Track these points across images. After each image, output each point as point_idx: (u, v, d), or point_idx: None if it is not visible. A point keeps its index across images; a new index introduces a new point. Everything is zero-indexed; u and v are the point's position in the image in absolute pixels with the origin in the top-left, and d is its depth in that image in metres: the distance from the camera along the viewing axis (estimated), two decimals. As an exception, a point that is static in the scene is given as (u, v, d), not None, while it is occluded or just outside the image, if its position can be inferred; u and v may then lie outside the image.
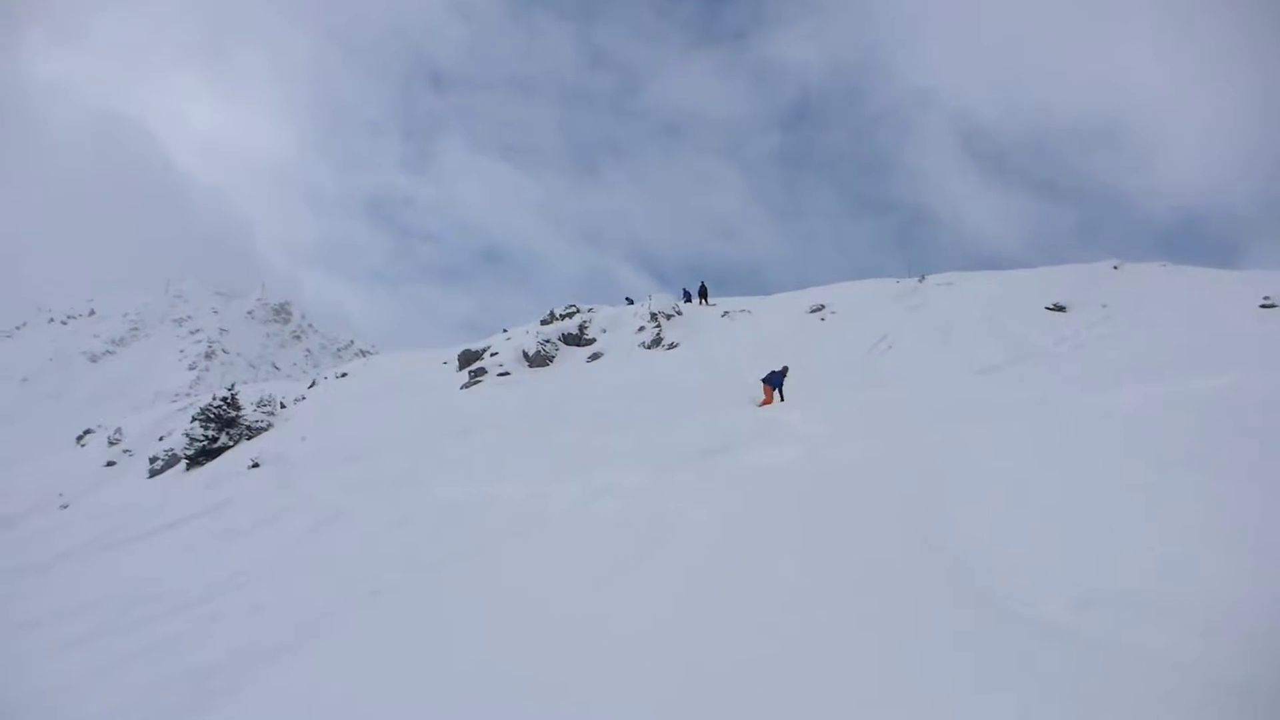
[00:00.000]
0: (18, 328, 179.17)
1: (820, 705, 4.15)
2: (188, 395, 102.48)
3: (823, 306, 34.12)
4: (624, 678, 4.85)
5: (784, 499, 8.24)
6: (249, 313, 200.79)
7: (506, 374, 32.58)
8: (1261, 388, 7.65)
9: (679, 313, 37.07)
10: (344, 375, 45.05)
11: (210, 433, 30.08)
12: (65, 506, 32.45)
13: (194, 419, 31.52)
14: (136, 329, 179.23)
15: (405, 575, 8.24)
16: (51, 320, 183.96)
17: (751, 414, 14.03)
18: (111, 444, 45.56)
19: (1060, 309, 24.43)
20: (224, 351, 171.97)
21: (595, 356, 34.21)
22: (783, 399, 18.60)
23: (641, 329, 35.54)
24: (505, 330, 41.45)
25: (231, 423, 30.91)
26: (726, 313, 37.14)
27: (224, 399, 32.05)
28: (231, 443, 30.00)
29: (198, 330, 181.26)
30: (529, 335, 36.55)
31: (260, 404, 35.65)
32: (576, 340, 36.44)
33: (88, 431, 55.53)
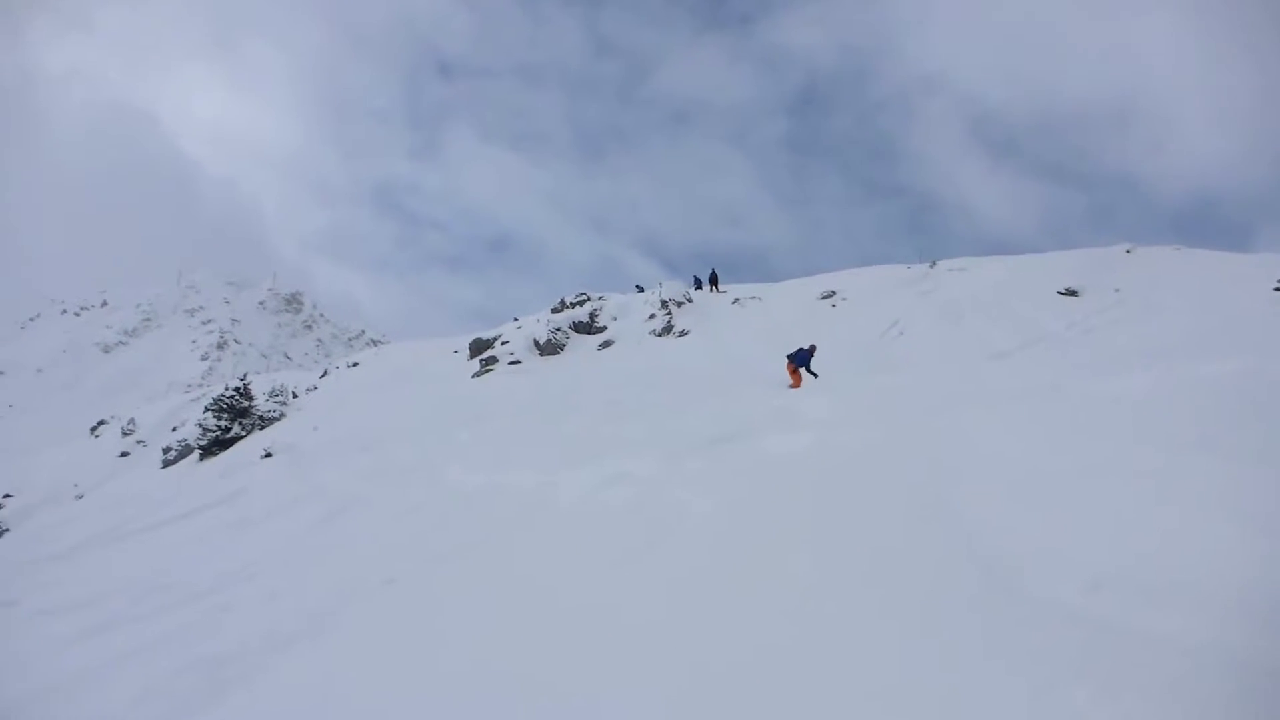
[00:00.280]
0: (31, 319, 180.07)
1: (830, 692, 4.16)
2: (200, 386, 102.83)
3: (833, 293, 34.04)
4: (634, 667, 4.85)
5: (795, 486, 8.22)
6: (260, 303, 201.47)
7: (517, 362, 32.59)
8: (1274, 372, 7.58)
9: (689, 300, 37.00)
10: (355, 365, 45.22)
11: (223, 423, 30.22)
12: (80, 497, 32.71)
13: (207, 409, 31.65)
14: (149, 320, 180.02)
15: (417, 564, 8.25)
16: (64, 312, 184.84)
17: (763, 401, 13.98)
18: (125, 435, 45.86)
19: (1072, 293, 24.32)
20: (236, 342, 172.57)
21: (606, 344, 34.19)
22: (815, 376, 18.47)
23: (652, 316, 35.48)
24: (516, 319, 41.47)
25: (244, 413, 31.04)
26: (737, 300, 37.08)
27: (236, 389, 32.17)
28: (244, 433, 30.13)
29: (210, 321, 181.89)
30: (540, 323, 36.54)
31: (272, 394, 35.78)
32: (587, 328, 36.42)
33: (101, 422, 55.91)
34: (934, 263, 34.55)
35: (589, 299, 39.83)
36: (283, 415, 32.37)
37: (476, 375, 32.12)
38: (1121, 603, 4.34)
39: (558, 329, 35.44)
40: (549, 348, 34.31)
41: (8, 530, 27.34)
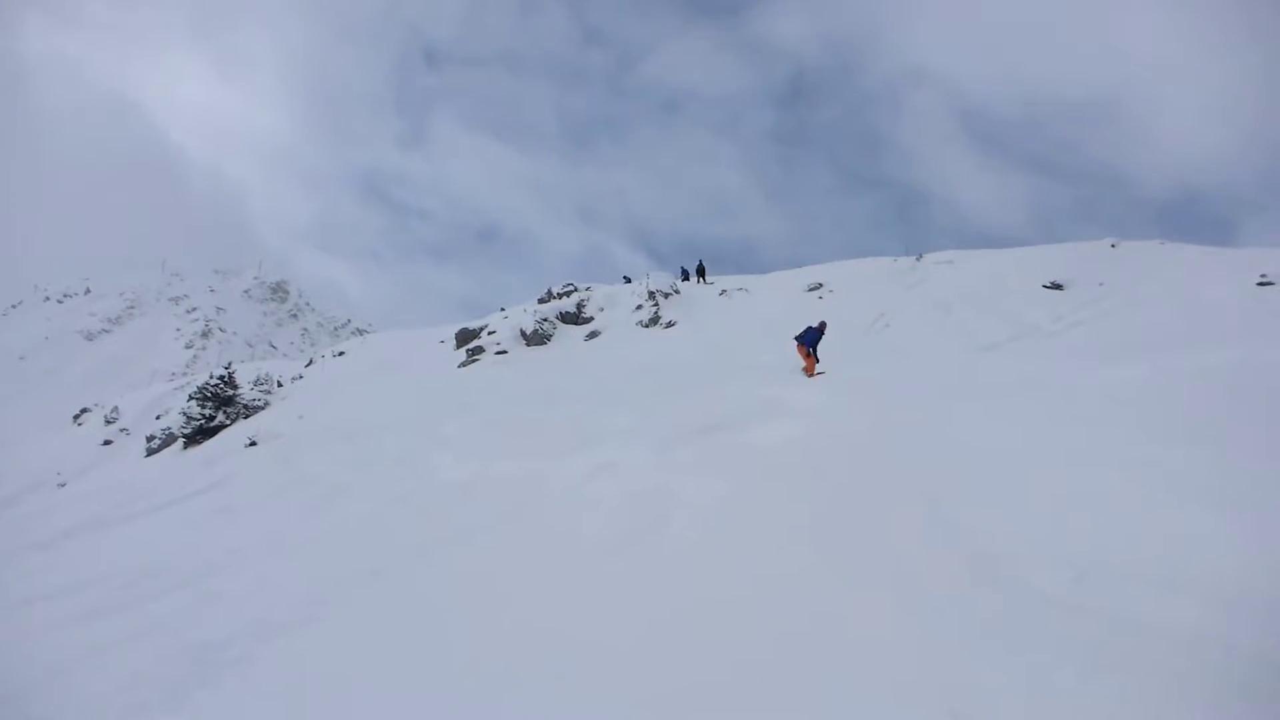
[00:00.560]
0: (13, 306, 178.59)
1: (818, 677, 4.18)
2: (184, 374, 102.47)
3: (820, 285, 34.18)
4: (625, 655, 4.86)
5: (783, 477, 8.24)
6: (246, 291, 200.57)
7: (504, 352, 32.52)
8: (1259, 363, 7.64)
9: (676, 291, 37.07)
10: (341, 354, 45.04)
11: (207, 411, 30.07)
12: (63, 485, 32.51)
13: (191, 398, 31.50)
14: (133, 307, 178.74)
15: (405, 554, 8.25)
16: (47, 299, 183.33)
17: (750, 391, 13.96)
18: (108, 423, 45.60)
19: (1058, 287, 24.46)
20: (221, 330, 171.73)
21: (593, 335, 34.17)
22: (817, 360, 17.38)
23: (639, 307, 35.48)
24: (503, 309, 41.40)
25: (229, 401, 30.90)
26: (724, 291, 37.16)
27: (221, 378, 32.00)
28: (229, 421, 30.00)
29: (194, 309, 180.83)
30: (527, 314, 36.46)
31: (257, 383, 35.62)
32: (574, 319, 36.37)
33: (84, 410, 55.56)
34: (921, 256, 34.70)
35: (576, 289, 39.80)
36: (267, 404, 32.24)
37: (463, 365, 32.05)
38: (1105, 590, 4.39)
39: (545, 319, 35.36)
40: (536, 338, 34.24)
41: (-10, 518, 27.17)
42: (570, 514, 8.66)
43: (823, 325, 17.89)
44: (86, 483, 29.20)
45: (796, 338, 17.78)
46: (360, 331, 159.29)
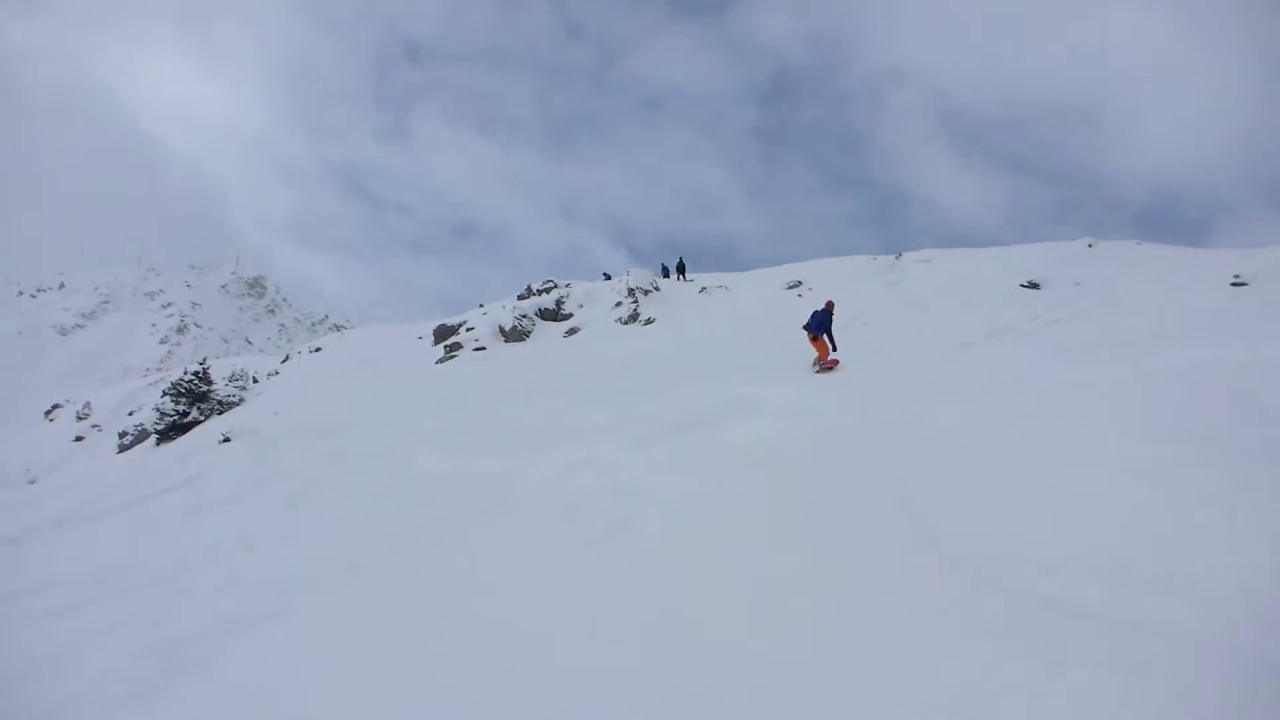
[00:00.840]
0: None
1: (792, 672, 4.15)
2: (158, 370, 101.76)
3: (800, 283, 34.27)
4: (601, 650, 4.82)
5: (759, 473, 8.26)
6: (223, 286, 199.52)
7: (483, 349, 32.40)
8: (1233, 362, 7.73)
9: (656, 288, 37.02)
10: (318, 350, 44.75)
11: (181, 407, 29.77)
12: (33, 481, 32.12)
13: (164, 393, 31.21)
14: (107, 302, 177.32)
15: (382, 551, 8.20)
16: (20, 293, 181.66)
17: (728, 388, 13.94)
18: (80, 419, 45.22)
19: (1035, 286, 24.65)
20: (196, 326, 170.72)
21: (572, 332, 34.09)
22: (834, 348, 16.51)
23: (619, 304, 35.43)
24: (482, 305, 41.32)
25: (203, 397, 30.60)
26: (704, 288, 37.19)
27: (195, 373, 31.69)
28: (203, 417, 29.70)
29: (169, 304, 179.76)
30: (506, 310, 36.37)
31: (232, 378, 35.36)
32: (554, 315, 36.29)
33: (56, 406, 55.14)
34: (900, 254, 34.93)
35: (556, 286, 39.78)
36: (242, 400, 31.97)
37: (441, 362, 31.90)
38: (1076, 584, 4.44)
39: (524, 316, 35.26)
40: (515, 335, 34.13)
41: (-42, 515, 26.80)
42: (548, 510, 8.63)
43: (829, 306, 17.12)
44: (58, 479, 28.92)
45: (805, 327, 16.94)
46: (338, 327, 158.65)
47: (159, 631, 6.73)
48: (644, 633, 4.97)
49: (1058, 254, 27.88)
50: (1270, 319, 11.71)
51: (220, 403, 30.93)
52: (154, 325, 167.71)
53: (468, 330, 35.01)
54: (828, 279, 33.64)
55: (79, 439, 41.46)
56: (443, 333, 36.20)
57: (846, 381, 13.37)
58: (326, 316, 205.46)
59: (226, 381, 34.32)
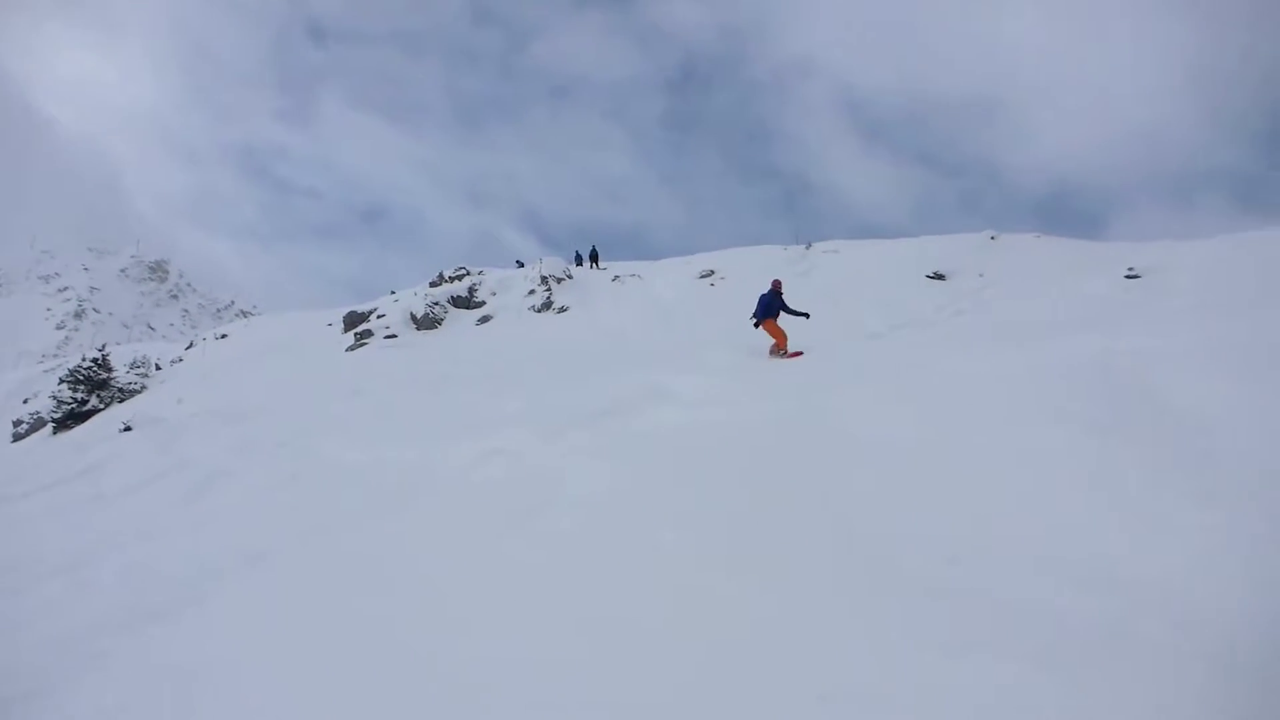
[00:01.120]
0: None
1: (696, 653, 4.25)
2: (55, 356, 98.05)
3: (712, 272, 34.66)
4: (511, 637, 4.87)
5: (671, 463, 8.32)
6: (122, 270, 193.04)
7: (394, 336, 32.08)
8: (1125, 351, 8.00)
9: (569, 276, 37.02)
10: (224, 336, 43.73)
11: (79, 395, 28.81)
12: (-81, 472, 30.81)
13: (62, 381, 30.15)
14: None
15: (289, 539, 8.09)
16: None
17: (642, 377, 13.99)
18: (-29, 407, 43.43)
19: (940, 277, 25.34)
20: (95, 311, 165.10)
21: (485, 319, 33.92)
22: (807, 316, 16.19)
23: (532, 292, 35.37)
24: (393, 292, 40.90)
25: (102, 385, 29.68)
26: (617, 277, 37.34)
27: (94, 360, 30.70)
28: (102, 405, 28.82)
29: (66, 288, 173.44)
30: (417, 297, 36.04)
31: (134, 365, 34.43)
32: (466, 303, 36.06)
33: (-56, 394, 52.78)
34: (810, 244, 35.55)
35: (469, 273, 39.53)
36: (144, 388, 31.12)
37: (351, 349, 31.49)
38: (975, 573, 4.56)
39: (436, 303, 34.96)
40: (426, 322, 33.84)
41: None
42: (460, 498, 8.60)
43: (776, 286, 16.44)
44: (-54, 469, 27.77)
45: (754, 315, 16.33)
46: (245, 314, 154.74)
47: (54, 627, 6.59)
48: (555, 625, 5.03)
49: (962, 246, 28.61)
50: (1161, 309, 12.21)
51: (121, 390, 30.06)
52: (50, 310, 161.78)
53: (379, 317, 34.61)
54: (740, 268, 34.03)
55: (-31, 428, 39.89)
56: (353, 320, 35.71)
57: (759, 371, 13.55)
58: (233, 302, 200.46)
59: (128, 368, 33.39)
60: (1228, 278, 14.73)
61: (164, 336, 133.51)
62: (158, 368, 35.71)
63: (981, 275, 24.34)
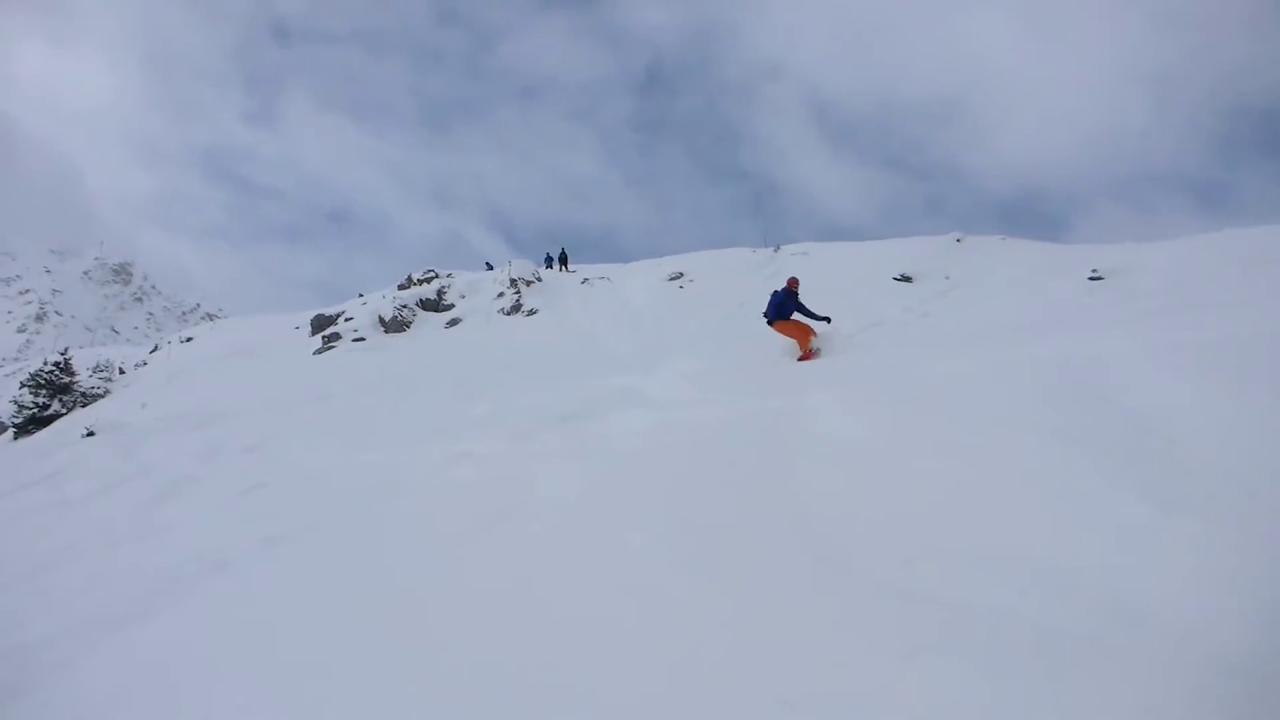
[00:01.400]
0: None
1: (661, 656, 4.25)
2: (16, 360, 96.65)
3: (682, 274, 34.78)
4: (477, 642, 4.84)
5: (638, 465, 8.32)
6: (85, 273, 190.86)
7: (362, 340, 31.88)
8: (1089, 354, 8.07)
9: (539, 279, 36.99)
10: (189, 340, 43.16)
11: (41, 400, 28.43)
12: (-125, 479, 30.26)
13: (22, 385, 29.75)
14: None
15: (254, 545, 8.03)
16: None
17: (610, 379, 14.03)
18: (-72, 412, 42.74)
19: (907, 279, 25.51)
20: (57, 314, 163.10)
21: (454, 322, 33.80)
22: (828, 321, 15.10)
23: (501, 295, 35.28)
24: (361, 295, 40.69)
25: (65, 389, 29.27)
26: (586, 279, 37.37)
27: (56, 364, 30.28)
28: (65, 410, 28.43)
29: (28, 290, 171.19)
30: (386, 300, 35.85)
31: (97, 369, 33.99)
32: (435, 306, 35.91)
33: (-99, 398, 51.89)
34: (778, 247, 35.84)
35: (437, 276, 39.37)
36: (108, 392, 30.71)
37: (319, 352, 31.25)
38: (928, 575, 4.58)
39: (404, 306, 34.78)
40: (395, 325, 33.65)
41: None
42: (428, 502, 8.57)
43: (792, 284, 15.29)
44: (-97, 476, 27.30)
45: (765, 315, 15.19)
46: (210, 316, 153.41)
47: (17, 634, 6.51)
48: (524, 628, 5.02)
49: (929, 248, 28.84)
50: (1124, 311, 12.36)
51: (84, 395, 29.67)
52: (10, 313, 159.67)
53: (347, 320, 34.39)
54: (709, 270, 34.23)
55: (-73, 433, 39.24)
56: (321, 323, 35.45)
57: (729, 373, 13.62)
58: (198, 305, 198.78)
59: (91, 373, 32.96)
60: (1190, 279, 14.95)
61: (128, 340, 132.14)
62: (121, 372, 35.25)
63: (948, 277, 24.53)
